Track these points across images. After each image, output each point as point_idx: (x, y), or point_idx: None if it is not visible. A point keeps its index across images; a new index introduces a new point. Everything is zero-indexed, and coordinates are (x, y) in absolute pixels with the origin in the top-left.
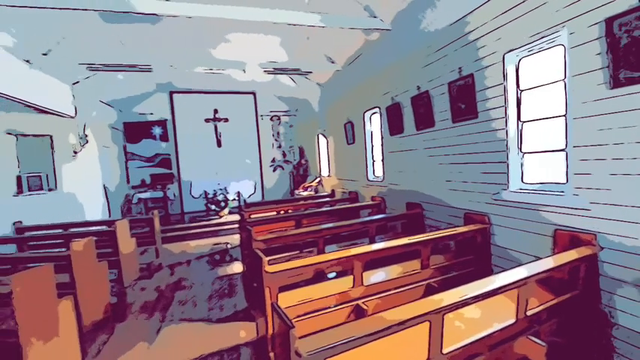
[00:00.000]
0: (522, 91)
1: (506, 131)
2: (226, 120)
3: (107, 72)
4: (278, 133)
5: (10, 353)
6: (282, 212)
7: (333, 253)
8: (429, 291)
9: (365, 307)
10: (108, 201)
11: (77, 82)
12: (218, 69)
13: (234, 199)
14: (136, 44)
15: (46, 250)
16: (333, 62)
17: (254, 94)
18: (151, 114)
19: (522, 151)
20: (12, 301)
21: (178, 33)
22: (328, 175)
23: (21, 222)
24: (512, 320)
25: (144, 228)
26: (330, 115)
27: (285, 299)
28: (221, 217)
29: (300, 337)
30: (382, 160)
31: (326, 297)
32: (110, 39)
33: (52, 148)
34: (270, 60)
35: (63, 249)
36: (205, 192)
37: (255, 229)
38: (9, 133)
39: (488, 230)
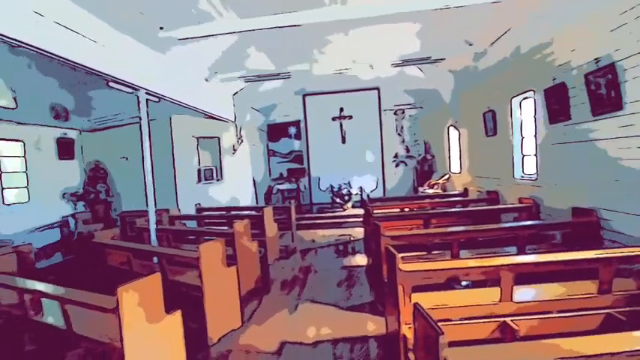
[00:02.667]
0: None
1: None
2: (350, 117)
3: (257, 82)
4: (402, 128)
5: (196, 303)
6: (406, 209)
7: (476, 260)
8: (611, 323)
9: (515, 327)
10: (256, 190)
11: (236, 92)
12: (347, 69)
13: (357, 194)
14: (278, 54)
15: (216, 227)
16: (471, 44)
17: (378, 89)
18: (287, 116)
19: None
20: (199, 264)
21: (312, 38)
22: (459, 172)
23: (200, 204)
24: None
25: (281, 215)
26: (464, 105)
27: (418, 300)
28: (345, 210)
29: None
30: (536, 155)
31: (463, 306)
32: (260, 53)
33: (220, 146)
34: (398, 51)
35: (226, 227)
36: (331, 185)
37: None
38: (193, 137)
39: None
